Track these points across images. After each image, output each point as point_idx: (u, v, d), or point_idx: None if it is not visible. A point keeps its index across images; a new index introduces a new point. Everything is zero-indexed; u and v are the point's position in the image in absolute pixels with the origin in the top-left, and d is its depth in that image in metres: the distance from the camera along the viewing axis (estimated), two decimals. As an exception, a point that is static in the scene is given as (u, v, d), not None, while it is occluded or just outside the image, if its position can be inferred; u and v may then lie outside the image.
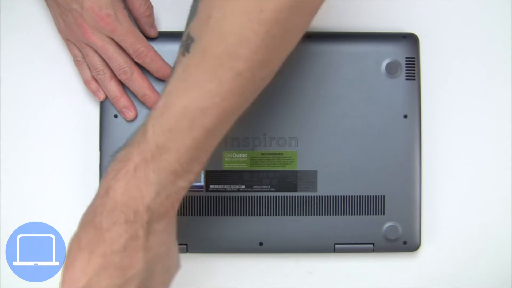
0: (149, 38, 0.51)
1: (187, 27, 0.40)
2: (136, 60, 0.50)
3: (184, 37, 0.39)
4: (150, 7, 0.51)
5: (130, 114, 0.52)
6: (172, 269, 0.43)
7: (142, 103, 0.52)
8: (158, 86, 0.52)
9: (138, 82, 0.51)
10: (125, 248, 0.38)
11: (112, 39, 0.49)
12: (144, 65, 0.50)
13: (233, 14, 0.36)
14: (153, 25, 0.51)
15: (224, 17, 0.37)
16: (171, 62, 0.52)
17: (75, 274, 0.38)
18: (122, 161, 0.39)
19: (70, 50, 0.52)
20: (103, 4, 0.47)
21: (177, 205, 0.41)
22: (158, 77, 0.51)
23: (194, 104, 0.38)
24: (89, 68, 0.51)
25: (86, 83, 0.52)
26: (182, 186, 0.40)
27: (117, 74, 0.50)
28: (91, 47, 0.49)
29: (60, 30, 0.51)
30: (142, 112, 0.52)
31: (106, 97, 0.52)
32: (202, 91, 0.37)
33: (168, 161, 0.38)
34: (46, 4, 0.52)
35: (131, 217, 0.38)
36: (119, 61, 0.49)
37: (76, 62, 0.52)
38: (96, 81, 0.51)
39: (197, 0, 0.39)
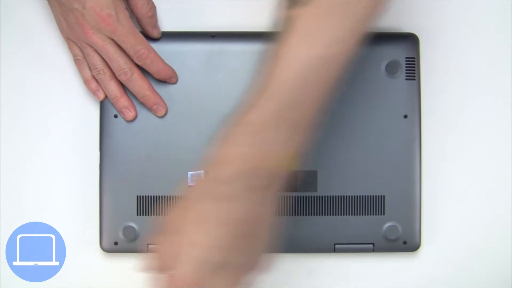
0: (152, 39, 0.51)
1: None
2: (136, 61, 0.50)
3: None
4: (153, 8, 0.51)
5: (130, 114, 0.52)
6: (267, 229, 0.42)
7: (142, 103, 0.52)
8: (158, 87, 0.52)
9: (138, 83, 0.50)
10: (247, 214, 0.38)
11: (113, 40, 0.49)
12: (144, 66, 0.50)
13: None
14: (155, 26, 0.51)
15: None
16: (172, 62, 0.52)
17: (183, 249, 0.38)
18: (245, 124, 0.39)
19: (71, 49, 0.52)
20: (105, 4, 0.47)
21: (294, 164, 0.40)
22: (159, 78, 0.51)
23: (321, 53, 0.38)
24: (89, 68, 0.51)
25: (86, 82, 0.52)
26: (300, 141, 0.40)
27: (117, 75, 0.50)
28: (91, 46, 0.49)
29: (62, 29, 0.51)
30: (142, 112, 0.52)
31: (106, 97, 0.52)
32: (327, 39, 0.38)
33: (293, 116, 0.38)
34: (47, 3, 0.52)
35: (255, 181, 0.38)
36: (119, 61, 0.49)
37: (77, 62, 0.52)
38: (96, 80, 0.51)
39: None
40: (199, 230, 0.38)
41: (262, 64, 0.40)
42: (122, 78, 0.50)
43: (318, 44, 0.38)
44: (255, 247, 0.40)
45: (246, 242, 0.39)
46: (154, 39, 0.52)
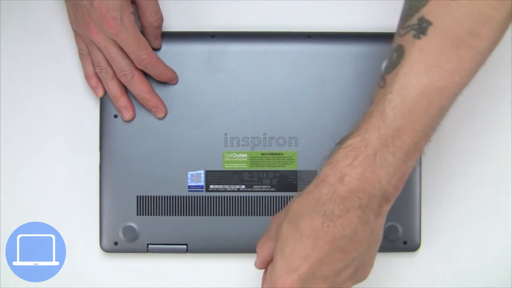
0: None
1: (416, 11, 0.41)
2: (138, 66, 0.49)
3: (415, 21, 0.40)
4: (160, 19, 0.50)
5: (128, 115, 0.52)
6: (377, 245, 0.44)
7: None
8: (158, 87, 0.52)
9: (138, 85, 0.51)
10: (355, 233, 0.40)
11: (116, 42, 0.49)
12: (146, 71, 0.50)
13: None
14: (158, 37, 0.51)
15: None
16: (172, 62, 0.52)
17: (296, 262, 0.40)
18: (359, 148, 0.40)
19: (77, 42, 0.52)
20: (112, 6, 0.46)
21: (402, 186, 0.41)
22: (159, 81, 0.51)
23: (435, 84, 0.39)
24: (92, 64, 0.51)
25: (86, 77, 0.52)
26: (411, 166, 0.41)
27: (118, 76, 0.50)
28: (96, 44, 0.49)
29: (70, 21, 0.51)
30: (142, 112, 0.52)
31: (105, 94, 0.52)
32: (442, 71, 0.39)
33: (406, 142, 0.39)
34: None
35: (366, 202, 0.40)
36: (120, 63, 0.49)
37: (81, 56, 0.52)
38: (97, 77, 0.51)
39: None
40: (306, 244, 0.40)
41: (375, 87, 0.42)
42: (123, 80, 0.50)
43: (432, 75, 0.39)
44: (359, 261, 0.42)
45: (350, 261, 0.41)
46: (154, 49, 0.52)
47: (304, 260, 0.40)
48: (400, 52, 0.40)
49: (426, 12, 0.40)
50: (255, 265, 0.46)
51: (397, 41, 0.42)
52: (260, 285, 0.55)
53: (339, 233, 0.40)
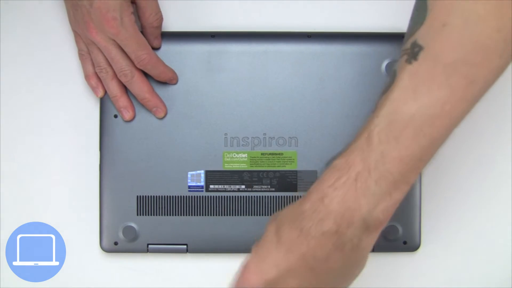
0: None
1: (410, 35, 0.39)
2: (138, 66, 0.50)
3: (408, 45, 0.39)
4: (160, 19, 0.50)
5: (128, 115, 0.52)
6: (354, 274, 0.42)
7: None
8: (158, 87, 0.52)
9: (138, 85, 0.51)
10: (327, 259, 0.38)
11: (116, 42, 0.49)
12: (145, 71, 0.50)
13: (472, 21, 0.36)
14: (157, 37, 0.51)
15: (464, 24, 0.36)
16: (172, 62, 0.52)
17: (266, 266, 0.39)
18: (342, 169, 0.38)
19: (77, 42, 0.52)
20: (111, 6, 0.46)
21: (387, 220, 0.39)
22: (159, 81, 0.51)
23: (423, 112, 0.37)
24: (92, 64, 0.51)
25: (86, 77, 0.52)
26: (397, 199, 0.39)
27: (118, 76, 0.50)
28: (96, 44, 0.49)
29: (70, 21, 0.51)
30: (142, 112, 0.52)
31: (105, 94, 0.52)
32: (432, 99, 0.37)
33: (390, 171, 0.37)
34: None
35: (344, 228, 0.38)
36: (120, 63, 0.49)
37: (80, 56, 0.52)
38: (97, 77, 0.52)
39: (423, 8, 0.39)
40: (281, 253, 0.39)
41: (371, 110, 0.40)
42: (123, 80, 0.50)
43: (420, 102, 0.37)
44: (331, 285, 0.40)
45: (321, 280, 0.40)
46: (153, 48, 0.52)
47: (274, 267, 0.39)
48: (393, 77, 0.39)
49: (419, 36, 0.38)
50: None
51: (393, 65, 0.40)
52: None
53: (311, 254, 0.38)
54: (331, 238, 0.38)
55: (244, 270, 0.41)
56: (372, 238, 0.39)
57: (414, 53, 0.38)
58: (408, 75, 0.38)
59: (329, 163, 0.40)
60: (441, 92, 0.37)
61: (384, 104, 0.38)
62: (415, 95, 0.37)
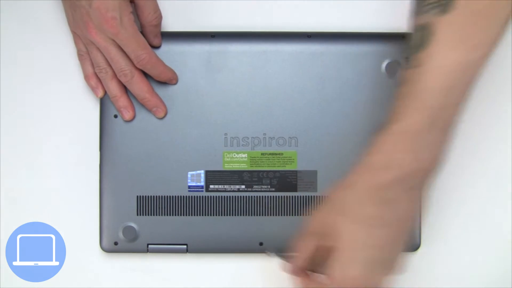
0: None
1: None
2: (137, 66, 0.49)
3: (433, 0, 0.41)
4: (159, 17, 0.50)
5: (128, 115, 0.52)
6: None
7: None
8: (158, 87, 0.52)
9: (138, 85, 0.51)
10: (406, 213, 0.42)
11: (115, 41, 0.49)
12: (145, 70, 0.50)
13: None
14: (157, 35, 0.51)
15: None
16: (172, 62, 0.52)
17: (354, 252, 0.41)
18: (400, 133, 0.41)
19: (76, 43, 0.52)
20: (111, 6, 0.46)
21: (442, 159, 0.43)
22: (159, 81, 0.51)
23: (468, 58, 0.40)
24: (92, 64, 0.51)
25: (86, 78, 0.52)
26: (449, 139, 0.42)
27: (117, 76, 0.50)
28: (95, 45, 0.49)
29: (69, 22, 0.51)
30: (142, 112, 0.52)
31: (104, 94, 0.52)
32: (473, 44, 0.40)
33: (445, 119, 0.41)
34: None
35: (414, 183, 0.41)
36: (120, 63, 0.49)
37: (80, 56, 0.52)
38: (96, 77, 0.51)
39: None
40: (364, 232, 0.41)
41: (402, 72, 0.43)
42: (123, 80, 0.50)
43: (464, 49, 0.40)
44: (403, 244, 0.43)
45: (401, 240, 0.43)
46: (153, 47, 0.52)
47: (365, 248, 0.41)
48: (427, 31, 0.41)
49: None
50: (290, 265, 0.46)
51: (417, 21, 0.42)
52: (261, 285, 0.55)
53: (393, 217, 0.41)
54: (406, 194, 0.41)
55: (336, 270, 0.42)
56: (429, 181, 0.43)
57: (446, 5, 0.41)
58: (447, 25, 0.40)
59: (380, 130, 0.42)
60: (479, 37, 0.40)
61: (430, 58, 0.40)
62: (459, 44, 0.40)
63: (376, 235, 0.41)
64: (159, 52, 0.52)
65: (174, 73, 0.52)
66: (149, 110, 0.52)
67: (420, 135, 0.41)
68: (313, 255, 0.44)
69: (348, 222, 0.41)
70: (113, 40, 0.48)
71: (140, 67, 0.50)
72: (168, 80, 0.51)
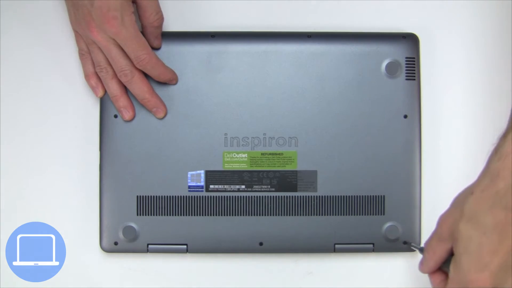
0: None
1: None
2: (137, 66, 0.49)
3: None
4: (161, 19, 0.50)
5: (128, 115, 0.52)
6: None
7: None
8: (158, 87, 0.52)
9: (138, 85, 0.51)
10: None
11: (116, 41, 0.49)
12: (145, 71, 0.50)
13: None
14: (158, 36, 0.51)
15: None
16: (172, 62, 0.52)
17: (484, 258, 0.41)
18: None
19: (77, 42, 0.52)
20: (112, 5, 0.46)
21: None
22: (159, 81, 0.51)
23: None
24: (92, 64, 0.51)
25: (86, 77, 0.52)
26: None
27: (118, 75, 0.50)
28: (96, 44, 0.49)
29: (71, 21, 0.51)
30: (142, 112, 0.52)
31: (104, 94, 0.52)
32: None
33: None
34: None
35: None
36: (121, 63, 0.49)
37: (81, 56, 0.52)
38: (97, 76, 0.52)
39: None
40: (495, 239, 0.41)
41: None
42: (123, 79, 0.50)
43: None
44: None
45: None
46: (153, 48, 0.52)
47: (493, 255, 0.41)
48: None
49: None
50: (423, 268, 0.47)
51: None
52: (261, 285, 0.55)
53: None
54: None
55: (463, 275, 0.42)
56: None
57: None
58: None
59: (504, 137, 0.43)
60: None
61: None
62: None
63: (505, 242, 0.41)
64: (159, 52, 0.52)
65: (174, 74, 0.52)
66: (149, 110, 0.52)
67: None
68: (443, 256, 0.45)
69: (476, 228, 0.42)
70: (114, 40, 0.48)
71: (140, 68, 0.50)
72: (168, 80, 0.51)
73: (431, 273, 0.47)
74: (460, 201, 0.44)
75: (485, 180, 0.43)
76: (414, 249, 0.52)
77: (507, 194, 0.41)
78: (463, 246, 0.42)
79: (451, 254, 0.44)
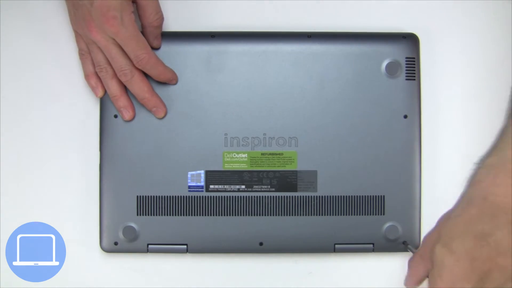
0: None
1: None
2: (137, 66, 0.49)
3: None
4: (160, 19, 0.50)
5: (128, 115, 0.52)
6: None
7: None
8: (158, 87, 0.52)
9: (138, 84, 0.51)
10: (509, 247, 0.40)
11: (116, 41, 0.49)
12: (144, 70, 0.50)
13: None
14: (157, 36, 0.51)
15: None
16: (172, 62, 0.52)
17: (456, 285, 0.41)
18: (497, 166, 0.42)
19: (77, 42, 0.52)
20: (112, 5, 0.46)
21: None
22: (159, 81, 0.51)
23: None
24: (92, 63, 0.51)
25: (86, 77, 0.52)
26: None
27: (118, 75, 0.50)
28: (96, 43, 0.49)
29: (71, 20, 0.51)
30: (142, 112, 0.52)
31: (104, 94, 0.52)
32: None
33: None
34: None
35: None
36: (120, 62, 0.49)
37: (81, 56, 0.52)
38: (97, 76, 0.52)
39: None
40: (466, 267, 0.41)
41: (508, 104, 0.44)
42: (123, 79, 0.50)
43: None
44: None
45: (504, 274, 0.42)
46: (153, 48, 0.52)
47: (465, 282, 0.41)
48: None
49: None
50: (406, 283, 0.48)
51: None
52: (261, 285, 0.55)
53: (494, 251, 0.40)
54: (506, 228, 0.40)
55: None
56: None
57: None
58: None
59: (478, 164, 0.43)
60: None
61: None
62: None
63: (476, 269, 0.41)
64: (159, 52, 0.52)
65: (174, 74, 0.52)
66: (149, 110, 0.52)
67: None
68: (424, 275, 0.46)
69: (449, 254, 0.42)
70: (114, 40, 0.48)
71: (140, 67, 0.50)
72: (168, 80, 0.51)
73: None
74: (441, 223, 0.44)
75: (461, 205, 0.43)
76: (410, 251, 0.52)
77: (478, 222, 0.41)
78: (437, 270, 0.42)
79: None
